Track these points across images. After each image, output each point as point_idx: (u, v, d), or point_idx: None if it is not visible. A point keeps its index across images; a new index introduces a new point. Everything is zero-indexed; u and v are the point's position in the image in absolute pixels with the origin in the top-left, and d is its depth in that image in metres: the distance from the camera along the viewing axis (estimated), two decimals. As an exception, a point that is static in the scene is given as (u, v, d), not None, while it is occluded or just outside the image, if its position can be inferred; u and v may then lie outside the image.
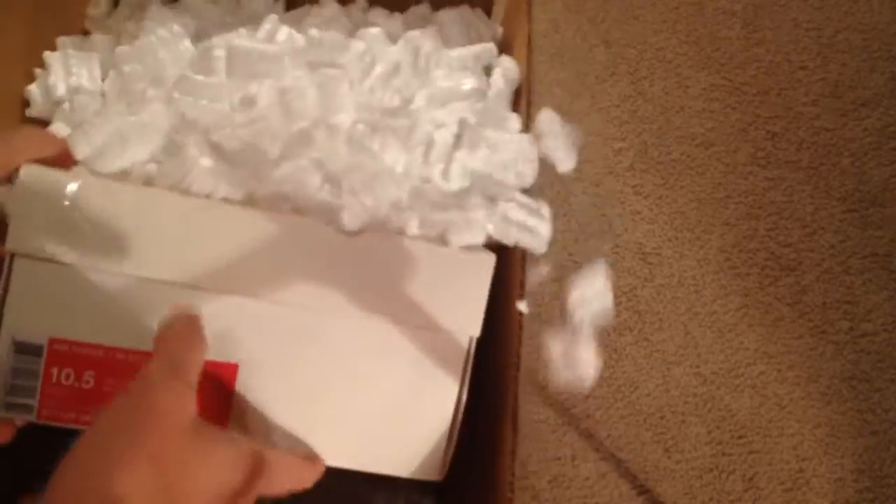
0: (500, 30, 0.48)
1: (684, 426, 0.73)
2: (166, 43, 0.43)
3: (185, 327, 0.32)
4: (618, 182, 0.83)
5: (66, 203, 0.32)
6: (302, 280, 0.34)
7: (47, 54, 0.46)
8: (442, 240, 0.36)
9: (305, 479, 0.34)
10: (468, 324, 0.35)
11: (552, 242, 0.79)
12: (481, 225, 0.37)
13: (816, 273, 0.79)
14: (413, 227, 0.36)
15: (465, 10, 0.51)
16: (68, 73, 0.45)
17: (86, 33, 0.50)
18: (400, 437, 0.35)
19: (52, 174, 0.33)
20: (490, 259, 0.35)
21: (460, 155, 0.38)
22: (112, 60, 0.45)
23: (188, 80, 0.39)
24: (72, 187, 0.32)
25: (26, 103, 0.46)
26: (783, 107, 0.87)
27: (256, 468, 0.31)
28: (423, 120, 0.39)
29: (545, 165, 0.41)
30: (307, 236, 0.34)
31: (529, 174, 0.40)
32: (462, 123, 0.39)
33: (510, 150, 0.40)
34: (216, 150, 0.37)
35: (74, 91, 0.44)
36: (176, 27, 0.43)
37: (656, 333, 0.76)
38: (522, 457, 0.72)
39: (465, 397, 0.35)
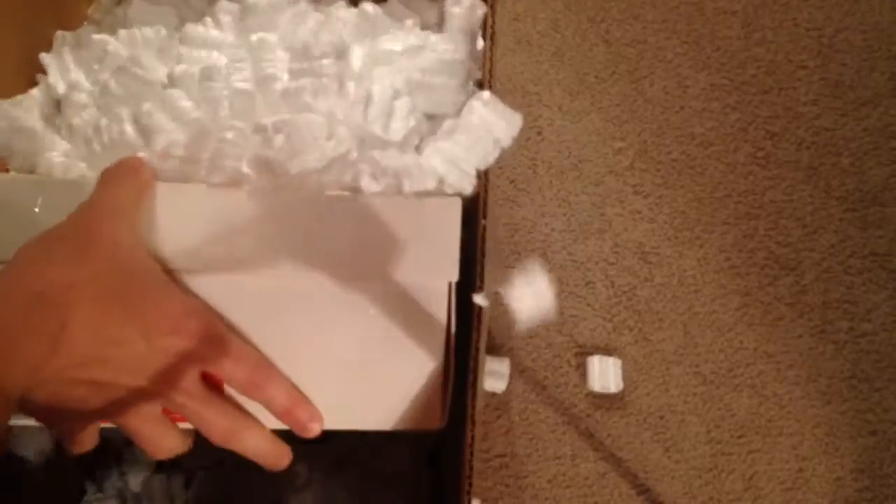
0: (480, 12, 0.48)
1: (684, 426, 0.73)
2: (140, 43, 0.43)
3: (128, 168, 0.32)
4: (618, 181, 0.83)
5: (37, 209, 0.33)
6: (272, 250, 0.34)
7: (43, 55, 0.46)
8: (396, 187, 0.36)
9: (269, 383, 0.31)
10: (445, 269, 0.35)
11: (552, 241, 0.80)
12: (434, 169, 0.37)
13: (816, 273, 0.79)
14: (366, 180, 0.36)
15: None
16: (66, 70, 0.45)
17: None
18: (393, 392, 0.35)
19: (21, 181, 0.34)
20: (455, 202, 0.35)
21: (401, 105, 0.38)
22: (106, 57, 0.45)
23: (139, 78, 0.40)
24: (41, 193, 0.33)
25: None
26: (783, 106, 0.87)
27: (210, 341, 0.29)
28: (361, 76, 0.39)
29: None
30: (268, 205, 0.34)
31: (500, 144, 0.39)
32: (407, 81, 0.39)
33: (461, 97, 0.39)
34: (146, 130, 0.37)
35: (73, 88, 0.44)
36: (151, 29, 0.43)
37: (656, 333, 0.76)
38: (522, 456, 0.72)
39: (453, 342, 0.35)
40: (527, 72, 0.88)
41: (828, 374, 0.75)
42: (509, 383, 0.74)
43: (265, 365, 0.32)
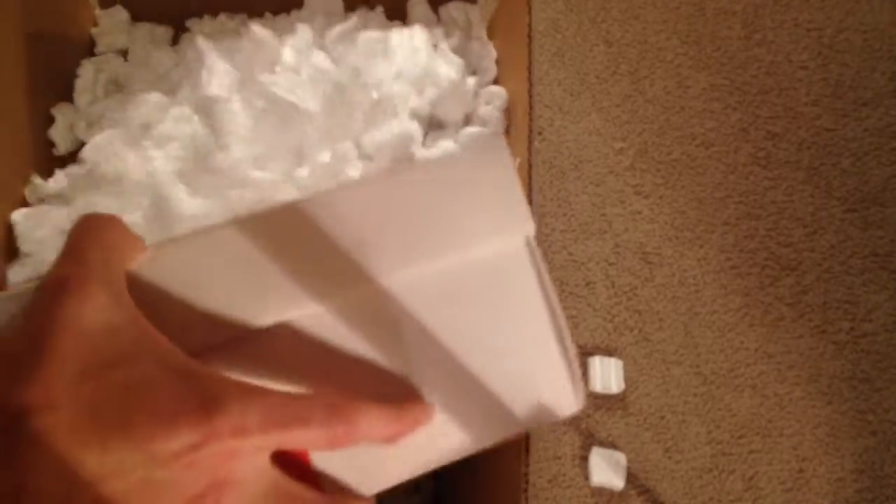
0: (486, 41, 0.49)
1: (684, 426, 0.73)
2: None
3: (97, 224, 0.24)
4: (618, 182, 0.83)
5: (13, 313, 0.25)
6: (324, 268, 0.27)
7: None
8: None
9: (355, 426, 0.24)
10: (517, 223, 0.28)
11: (553, 241, 0.80)
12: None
13: (817, 273, 0.79)
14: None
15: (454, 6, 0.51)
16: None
17: (92, 44, 0.51)
18: (512, 388, 0.28)
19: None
20: (500, 139, 0.29)
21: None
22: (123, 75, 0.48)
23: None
24: (26, 287, 0.25)
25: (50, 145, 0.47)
26: (784, 107, 0.87)
27: (261, 427, 0.22)
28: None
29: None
30: (309, 214, 0.27)
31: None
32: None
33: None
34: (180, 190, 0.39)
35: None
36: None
37: (656, 333, 0.76)
38: (522, 456, 0.72)
39: (556, 306, 0.28)
40: (527, 72, 0.88)
41: (828, 375, 0.75)
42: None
43: (341, 413, 0.24)
